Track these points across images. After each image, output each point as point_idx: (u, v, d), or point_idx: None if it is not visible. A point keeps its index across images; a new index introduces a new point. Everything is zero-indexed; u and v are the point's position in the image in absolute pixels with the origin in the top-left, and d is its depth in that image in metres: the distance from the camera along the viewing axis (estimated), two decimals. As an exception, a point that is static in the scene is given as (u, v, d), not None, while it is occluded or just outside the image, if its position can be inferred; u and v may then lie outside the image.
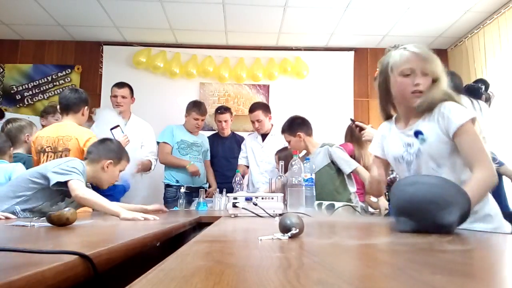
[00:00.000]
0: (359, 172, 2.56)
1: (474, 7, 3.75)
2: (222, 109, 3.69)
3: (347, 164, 2.57)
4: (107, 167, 2.07)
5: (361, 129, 2.24)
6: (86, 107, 2.62)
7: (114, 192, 2.96)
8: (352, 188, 2.65)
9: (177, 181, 3.41)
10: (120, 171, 2.17)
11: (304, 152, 2.78)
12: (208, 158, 3.66)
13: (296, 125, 2.76)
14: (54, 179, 1.81)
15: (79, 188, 1.81)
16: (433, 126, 1.38)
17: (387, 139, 1.58)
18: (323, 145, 2.69)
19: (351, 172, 2.58)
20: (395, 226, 1.10)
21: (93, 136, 2.47)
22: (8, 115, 3.92)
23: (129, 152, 3.15)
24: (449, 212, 1.00)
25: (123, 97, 3.39)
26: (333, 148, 2.63)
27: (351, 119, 2.49)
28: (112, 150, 2.11)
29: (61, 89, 4.58)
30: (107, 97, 3.77)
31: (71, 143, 2.40)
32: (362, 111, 4.64)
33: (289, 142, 2.78)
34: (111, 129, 2.79)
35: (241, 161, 3.62)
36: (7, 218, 1.61)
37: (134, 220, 1.61)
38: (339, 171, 2.62)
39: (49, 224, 1.23)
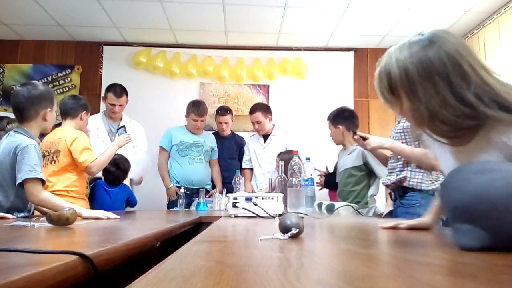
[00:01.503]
0: None
1: (474, 7, 3.75)
2: (223, 110, 3.65)
3: (382, 169, 2.48)
4: (47, 115, 2.02)
5: (364, 139, 2.21)
6: (84, 112, 2.63)
7: (120, 190, 2.98)
8: (375, 191, 2.61)
9: (178, 182, 3.40)
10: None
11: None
12: (214, 157, 3.60)
13: (341, 118, 2.70)
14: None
15: (34, 190, 1.77)
16: (498, 157, 0.95)
17: (434, 150, 1.22)
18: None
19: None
20: (455, 239, 0.72)
21: (80, 136, 2.47)
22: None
23: (134, 154, 3.20)
24: None
25: (121, 105, 3.36)
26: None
27: (352, 130, 2.47)
28: (43, 98, 2.00)
29: (61, 90, 4.57)
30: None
31: (61, 145, 2.41)
32: (362, 111, 4.63)
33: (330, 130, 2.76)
34: (118, 129, 2.88)
35: (245, 164, 3.60)
36: (3, 217, 1.62)
37: (97, 218, 1.67)
38: (368, 174, 2.58)
39: (49, 224, 1.23)
